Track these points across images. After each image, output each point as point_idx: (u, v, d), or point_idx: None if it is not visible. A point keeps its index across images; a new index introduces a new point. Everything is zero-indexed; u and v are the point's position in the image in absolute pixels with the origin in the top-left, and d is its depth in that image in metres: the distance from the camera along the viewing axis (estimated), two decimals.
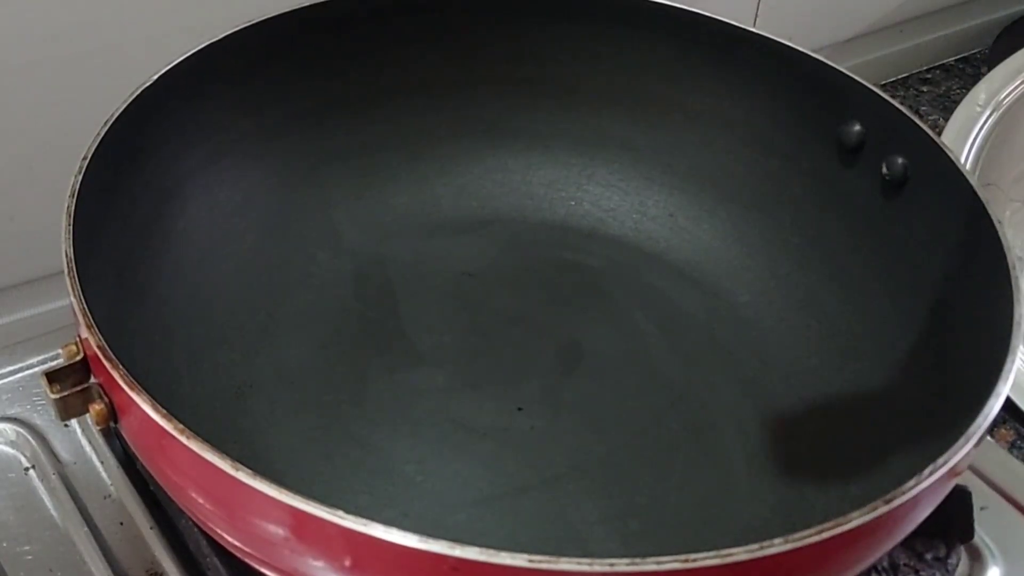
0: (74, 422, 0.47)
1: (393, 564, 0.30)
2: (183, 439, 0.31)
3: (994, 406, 0.35)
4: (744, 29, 0.51)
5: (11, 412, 0.48)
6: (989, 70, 0.68)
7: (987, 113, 0.64)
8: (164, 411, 0.32)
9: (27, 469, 0.46)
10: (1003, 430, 0.51)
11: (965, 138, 0.63)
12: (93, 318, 0.35)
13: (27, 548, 0.43)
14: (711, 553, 0.29)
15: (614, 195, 0.55)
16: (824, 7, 0.73)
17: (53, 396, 0.37)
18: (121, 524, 0.44)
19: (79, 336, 0.37)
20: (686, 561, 0.29)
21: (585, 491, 0.44)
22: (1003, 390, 0.35)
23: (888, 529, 0.33)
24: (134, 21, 0.50)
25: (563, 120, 0.55)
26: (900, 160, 0.46)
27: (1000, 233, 0.40)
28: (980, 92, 0.66)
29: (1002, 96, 0.65)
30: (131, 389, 0.33)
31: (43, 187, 0.51)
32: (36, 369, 0.50)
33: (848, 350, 0.47)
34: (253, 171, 0.50)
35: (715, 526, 0.43)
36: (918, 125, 0.45)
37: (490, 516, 0.43)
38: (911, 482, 0.32)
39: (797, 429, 0.46)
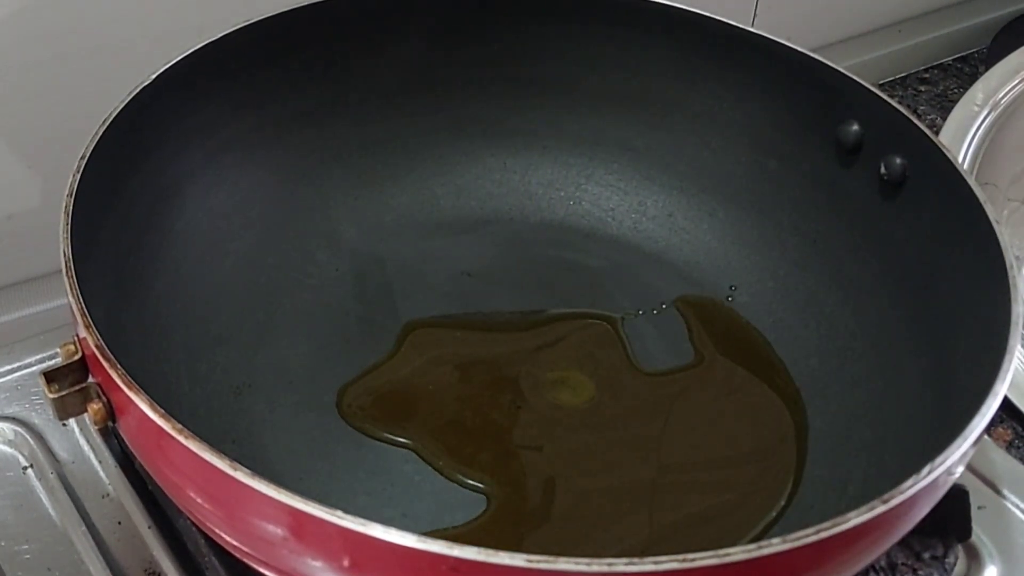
0: (72, 421, 0.47)
1: (392, 564, 0.30)
2: (181, 439, 0.31)
3: (992, 405, 0.35)
4: (742, 29, 0.51)
5: (9, 411, 0.48)
6: (987, 69, 0.68)
7: (985, 112, 0.64)
8: (162, 411, 0.32)
9: (25, 468, 0.46)
10: (1001, 429, 0.51)
11: (963, 138, 0.63)
12: (91, 317, 0.35)
13: (25, 547, 0.43)
14: (708, 553, 0.29)
15: (613, 195, 0.55)
16: (822, 7, 0.73)
17: (51, 395, 0.37)
18: (119, 523, 0.44)
19: (77, 335, 0.36)
20: (684, 561, 0.29)
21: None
22: (1001, 389, 0.35)
23: (886, 529, 0.33)
24: (133, 20, 0.50)
25: (562, 120, 0.55)
26: (898, 160, 0.46)
27: (998, 233, 0.40)
28: (978, 91, 0.66)
29: (1000, 95, 0.65)
30: (129, 388, 0.33)
31: (41, 186, 0.51)
32: (34, 368, 0.50)
33: (846, 350, 0.47)
34: (252, 171, 0.50)
35: (714, 526, 0.43)
36: (916, 125, 0.45)
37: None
38: (909, 481, 0.32)
39: (795, 430, 0.46)
